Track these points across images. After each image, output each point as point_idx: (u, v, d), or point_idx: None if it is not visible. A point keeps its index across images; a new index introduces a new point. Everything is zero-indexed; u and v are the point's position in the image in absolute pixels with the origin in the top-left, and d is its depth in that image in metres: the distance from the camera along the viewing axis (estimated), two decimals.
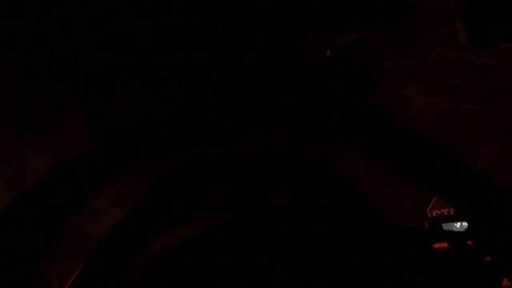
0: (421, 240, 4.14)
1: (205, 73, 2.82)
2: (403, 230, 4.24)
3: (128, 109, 3.02)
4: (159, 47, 2.60)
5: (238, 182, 4.32)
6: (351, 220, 4.46)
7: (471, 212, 3.53)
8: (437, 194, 4.26)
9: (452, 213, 4.43)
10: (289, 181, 4.37)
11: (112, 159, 3.35)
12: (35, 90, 2.88)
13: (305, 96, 3.21)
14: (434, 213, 4.61)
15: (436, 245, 4.33)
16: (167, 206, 4.68)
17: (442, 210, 4.57)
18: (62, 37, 2.43)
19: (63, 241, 4.31)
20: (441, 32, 2.96)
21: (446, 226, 4.55)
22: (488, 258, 3.97)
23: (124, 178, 3.88)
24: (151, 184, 4.23)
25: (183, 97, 2.99)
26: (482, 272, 3.86)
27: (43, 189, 3.17)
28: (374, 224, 4.29)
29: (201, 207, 4.87)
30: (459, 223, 4.49)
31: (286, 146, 4.07)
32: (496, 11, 2.46)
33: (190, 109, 3.14)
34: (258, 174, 4.29)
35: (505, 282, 3.58)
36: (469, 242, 4.19)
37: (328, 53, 2.96)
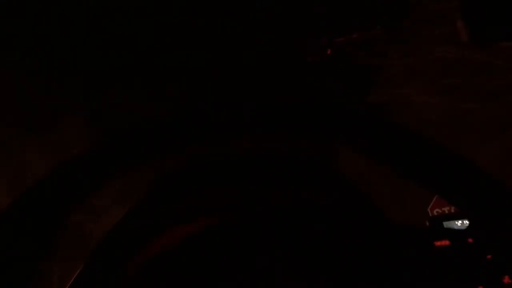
0: (422, 238, 4.17)
1: (205, 73, 2.82)
2: (403, 229, 4.26)
3: (128, 109, 3.02)
4: (159, 47, 2.60)
5: (238, 182, 4.34)
6: (351, 220, 4.48)
7: (472, 211, 3.54)
8: (438, 193, 4.27)
9: (453, 211, 4.45)
10: (289, 181, 4.39)
11: (112, 159, 3.37)
12: (35, 90, 2.88)
13: (305, 96, 3.21)
14: (435, 212, 4.63)
15: (437, 243, 4.35)
16: (167, 206, 4.71)
17: (443, 209, 4.59)
18: (62, 37, 2.43)
19: (64, 241, 4.32)
20: (441, 31, 2.96)
21: (447, 224, 4.57)
22: (489, 256, 3.97)
23: (124, 178, 3.89)
24: (151, 184, 4.24)
25: (183, 97, 2.98)
26: (483, 270, 3.87)
27: (43, 189, 3.18)
28: (374, 224, 4.31)
29: (201, 207, 4.90)
30: (460, 221, 4.50)
31: (286, 146, 4.08)
32: (497, 10, 2.46)
33: (190, 109, 3.15)
34: (258, 174, 4.31)
35: (506, 279, 3.58)
36: (470, 240, 4.20)
37: (328, 52, 2.96)
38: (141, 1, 2.29)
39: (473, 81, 3.19)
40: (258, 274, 4.29)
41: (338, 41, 2.91)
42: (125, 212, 4.46)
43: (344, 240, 4.20)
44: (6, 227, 3.12)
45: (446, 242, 4.43)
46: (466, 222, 4.35)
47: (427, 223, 4.49)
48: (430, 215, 4.43)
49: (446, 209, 4.40)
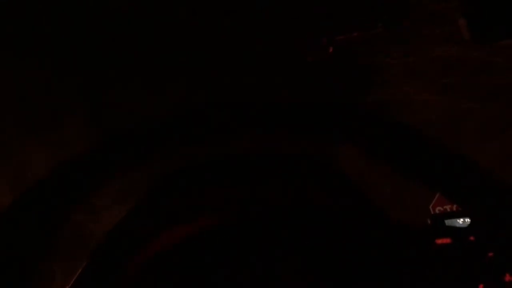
0: (423, 237, 4.16)
1: (205, 73, 2.81)
2: (405, 228, 4.25)
3: (128, 109, 3.02)
4: (159, 47, 2.59)
5: (238, 182, 4.34)
6: (352, 219, 4.47)
7: (472, 209, 3.54)
8: (439, 190, 4.26)
9: (454, 209, 4.45)
10: (289, 181, 4.39)
11: (112, 159, 3.36)
12: (35, 90, 2.87)
13: (305, 96, 3.21)
14: (437, 210, 4.63)
15: (439, 241, 4.35)
16: (167, 206, 4.71)
17: (445, 207, 4.58)
18: (62, 37, 2.42)
19: (64, 241, 4.32)
20: (442, 31, 2.96)
21: (449, 222, 4.57)
22: (490, 254, 3.97)
23: (124, 178, 3.89)
24: (151, 184, 4.24)
25: (183, 96, 2.98)
26: (484, 268, 3.86)
27: (44, 190, 3.17)
28: (374, 223, 4.31)
29: (201, 207, 4.89)
30: (461, 219, 4.50)
31: (286, 146, 4.08)
32: (497, 9, 2.46)
33: (190, 109, 3.14)
34: (258, 174, 4.31)
35: (507, 277, 3.58)
36: (471, 238, 4.19)
37: (330, 50, 2.95)
38: (141, 1, 2.28)
39: (473, 80, 3.19)
40: (258, 274, 4.30)
41: (339, 39, 2.90)
42: (125, 212, 4.46)
43: (344, 239, 4.20)
44: (7, 227, 3.12)
45: (447, 240, 4.42)
46: (468, 220, 4.34)
47: (429, 221, 4.49)
48: (432, 213, 4.43)
49: (448, 207, 4.40)
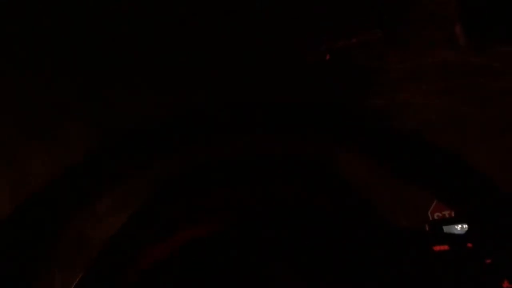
0: (421, 243, 4.15)
1: (205, 73, 2.81)
2: (404, 232, 4.24)
3: (128, 109, 3.01)
4: (159, 47, 2.59)
5: (238, 184, 4.32)
6: (351, 222, 4.46)
7: (471, 214, 3.53)
8: (437, 195, 4.26)
9: (453, 215, 4.43)
10: (290, 183, 4.38)
11: (112, 166, 3.35)
12: (35, 91, 2.87)
13: (305, 97, 3.21)
14: (435, 215, 4.62)
15: (437, 248, 4.33)
16: (167, 211, 4.68)
17: (443, 212, 4.57)
18: (62, 37, 2.42)
19: (65, 247, 4.29)
20: (441, 35, 2.97)
21: (447, 229, 4.55)
22: (488, 261, 3.95)
23: (125, 184, 3.86)
24: (152, 190, 4.22)
25: (183, 96, 2.98)
26: (482, 275, 3.84)
27: (45, 196, 3.15)
28: (374, 226, 4.29)
29: (201, 209, 4.87)
30: (459, 226, 4.49)
31: (286, 148, 4.07)
32: (495, 15, 2.47)
33: (190, 109, 3.13)
34: (258, 176, 4.30)
35: (505, 284, 3.56)
36: (469, 245, 4.18)
37: (327, 57, 2.96)
38: (141, 1, 2.28)
39: (473, 83, 3.20)
40: (259, 275, 4.28)
41: (338, 46, 2.92)
42: (126, 218, 4.44)
43: (344, 242, 4.19)
44: (7, 233, 3.10)
45: (445, 247, 4.40)
46: (466, 226, 4.33)
47: (427, 227, 4.47)
48: (431, 218, 4.42)
49: (446, 213, 4.39)
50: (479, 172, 3.47)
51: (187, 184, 4.16)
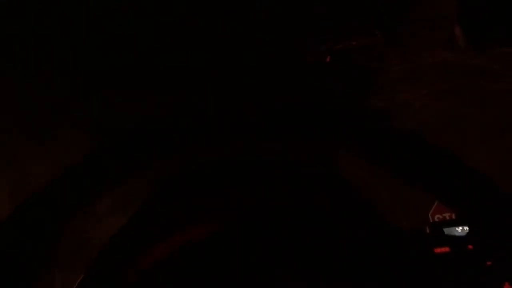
0: (422, 245, 4.13)
1: (205, 72, 2.82)
2: (404, 234, 4.23)
3: (128, 109, 3.02)
4: (159, 47, 2.60)
5: (238, 184, 4.33)
6: (351, 222, 4.45)
7: (472, 216, 3.52)
8: (437, 197, 4.25)
9: (454, 217, 4.42)
10: (289, 183, 4.38)
11: (112, 166, 3.35)
12: (34, 91, 2.87)
13: (304, 97, 3.21)
14: (436, 217, 4.61)
15: (437, 250, 4.32)
16: (168, 211, 4.68)
17: (443, 214, 4.56)
18: (62, 37, 2.43)
19: (65, 248, 4.30)
20: (441, 35, 2.97)
21: (447, 231, 4.54)
22: (489, 263, 3.94)
23: (125, 184, 3.87)
24: (152, 190, 4.22)
25: (182, 97, 2.98)
26: (483, 277, 3.83)
27: (44, 197, 3.16)
28: (373, 227, 4.28)
29: (201, 211, 4.87)
30: (460, 228, 4.48)
31: (286, 148, 4.07)
32: (495, 16, 2.47)
33: (190, 111, 3.13)
34: (258, 176, 4.30)
35: (506, 286, 3.55)
36: (470, 247, 4.17)
37: (327, 59, 2.97)
38: (141, 1, 2.29)
39: (472, 84, 3.20)
40: (259, 276, 4.29)
41: (338, 47, 2.92)
42: (126, 219, 4.44)
43: (344, 243, 4.19)
44: (6, 234, 3.10)
45: (446, 249, 4.40)
46: (467, 228, 4.32)
47: (427, 230, 4.47)
48: (431, 220, 4.41)
49: (447, 215, 4.38)
50: (479, 173, 3.47)
51: (187, 184, 4.17)
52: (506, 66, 3.05)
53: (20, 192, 3.19)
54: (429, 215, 4.44)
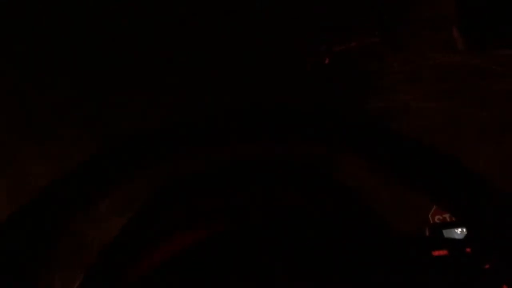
0: (420, 247, 4.11)
1: (204, 72, 2.82)
2: (403, 237, 4.20)
3: (128, 109, 3.02)
4: (159, 47, 2.60)
5: (238, 186, 4.33)
6: (351, 225, 4.42)
7: (470, 219, 3.52)
8: (437, 200, 4.25)
9: (454, 219, 4.41)
10: (289, 185, 4.38)
11: (113, 168, 3.33)
12: (35, 92, 2.87)
13: (303, 99, 3.22)
14: (436, 218, 4.58)
15: (435, 253, 4.30)
16: (169, 213, 4.67)
17: (444, 215, 4.54)
18: (62, 37, 2.43)
19: (64, 250, 4.29)
20: (440, 37, 2.98)
21: (447, 233, 4.52)
22: (487, 266, 3.93)
23: (125, 186, 3.86)
24: (152, 192, 4.23)
25: (183, 97, 2.98)
26: (481, 280, 3.82)
27: (44, 199, 3.14)
28: (373, 228, 4.26)
29: (202, 213, 4.84)
30: (460, 229, 4.47)
31: (286, 151, 4.08)
32: (493, 18, 2.47)
33: (190, 113, 3.13)
34: (257, 180, 4.30)
35: None
36: (468, 250, 4.16)
37: (326, 61, 2.98)
38: (141, 1, 2.29)
39: (472, 87, 3.20)
40: (260, 281, 4.28)
41: (337, 49, 2.93)
42: (126, 220, 4.43)
43: (343, 245, 4.18)
44: (7, 237, 3.10)
45: (444, 252, 4.37)
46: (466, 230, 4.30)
47: (427, 232, 4.45)
48: (431, 222, 4.39)
49: (447, 216, 4.37)
50: (478, 176, 3.47)
51: (187, 187, 4.17)
52: (506, 66, 3.05)
53: (20, 193, 3.19)
54: (429, 216, 4.43)
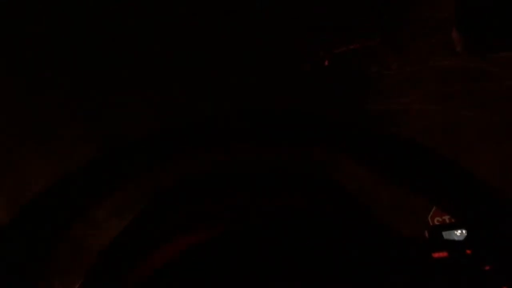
0: (421, 249, 4.12)
1: (204, 73, 2.81)
2: (403, 239, 4.21)
3: (127, 110, 3.01)
4: (158, 48, 2.60)
5: (238, 189, 4.32)
6: (351, 227, 4.43)
7: (470, 220, 3.51)
8: (436, 202, 4.24)
9: (453, 220, 4.40)
10: (288, 188, 4.37)
11: (111, 172, 3.34)
12: (33, 93, 2.86)
13: (303, 100, 3.21)
14: (435, 220, 4.58)
15: (436, 255, 4.30)
16: (167, 218, 4.67)
17: (443, 217, 4.53)
18: (62, 37, 2.43)
19: (63, 255, 4.28)
20: (439, 40, 2.98)
21: (446, 235, 4.51)
22: (487, 267, 3.92)
23: (124, 190, 3.85)
24: (151, 196, 4.21)
25: (183, 97, 2.97)
26: (481, 281, 3.82)
27: (43, 203, 3.14)
28: (372, 230, 4.26)
29: (202, 213, 4.85)
30: (459, 231, 4.45)
31: (287, 157, 4.07)
32: (492, 21, 2.47)
33: (191, 113, 3.12)
34: (258, 184, 4.30)
35: None
36: (468, 251, 4.15)
37: (326, 63, 2.98)
38: (141, 1, 2.29)
39: (472, 89, 3.20)
40: (260, 282, 4.28)
41: (337, 51, 2.93)
42: (125, 224, 4.43)
43: (343, 247, 4.19)
44: (7, 241, 3.08)
45: (444, 254, 4.37)
46: (465, 232, 4.30)
47: (426, 234, 4.44)
48: (431, 224, 4.39)
49: (446, 218, 4.36)
50: (478, 177, 3.47)
51: (187, 190, 4.17)
52: (506, 68, 3.05)
53: (19, 197, 3.18)
54: (429, 218, 4.43)
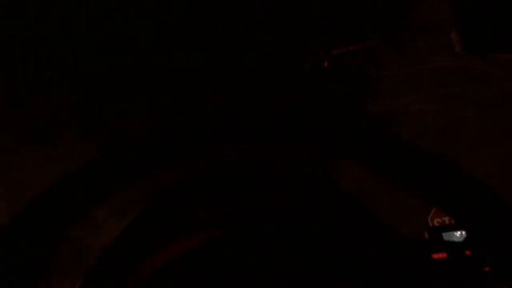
0: (420, 251, 4.11)
1: (204, 73, 2.81)
2: (403, 240, 4.21)
3: (127, 111, 3.01)
4: (158, 48, 2.60)
5: (238, 191, 4.31)
6: (351, 228, 4.42)
7: (470, 221, 3.50)
8: (436, 204, 4.24)
9: (453, 221, 4.39)
10: (288, 190, 4.37)
11: (111, 174, 3.34)
12: (33, 94, 2.86)
13: (303, 101, 3.21)
14: (435, 221, 4.57)
15: (435, 256, 4.29)
16: (167, 219, 4.66)
17: (443, 218, 4.53)
18: (62, 37, 2.43)
19: (62, 256, 4.28)
20: (438, 41, 2.98)
21: (446, 236, 4.51)
22: (487, 268, 3.92)
23: (124, 192, 3.85)
24: (151, 198, 4.21)
25: (183, 97, 2.97)
26: (481, 282, 3.81)
27: (43, 204, 3.14)
28: (372, 231, 4.26)
29: (202, 217, 4.84)
30: (459, 232, 4.45)
31: (287, 158, 4.06)
32: (491, 22, 2.47)
33: (191, 113, 3.12)
34: (258, 184, 4.29)
35: None
36: (468, 252, 4.15)
37: (325, 64, 2.98)
38: (141, 1, 2.29)
39: (472, 90, 3.20)
40: (259, 283, 4.28)
41: (336, 52, 2.93)
42: (125, 224, 4.42)
43: (343, 247, 4.18)
44: (5, 242, 3.08)
45: (444, 255, 4.36)
46: (465, 233, 4.29)
47: (426, 235, 4.44)
48: (431, 225, 4.38)
49: (446, 219, 4.35)
50: (478, 179, 3.47)
51: (187, 190, 4.16)
52: (505, 70, 3.05)
53: (19, 199, 3.18)
54: (429, 219, 4.42)
